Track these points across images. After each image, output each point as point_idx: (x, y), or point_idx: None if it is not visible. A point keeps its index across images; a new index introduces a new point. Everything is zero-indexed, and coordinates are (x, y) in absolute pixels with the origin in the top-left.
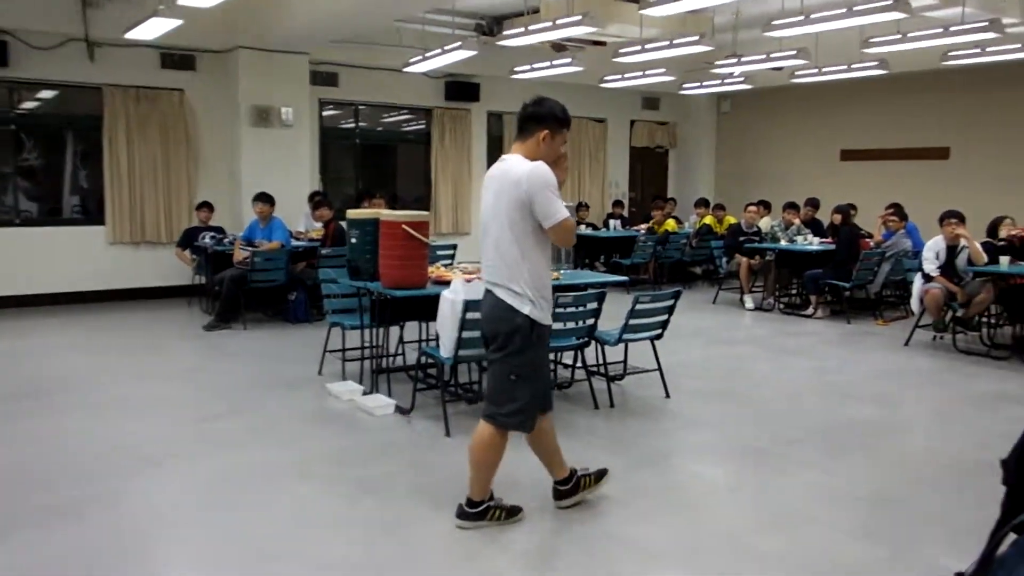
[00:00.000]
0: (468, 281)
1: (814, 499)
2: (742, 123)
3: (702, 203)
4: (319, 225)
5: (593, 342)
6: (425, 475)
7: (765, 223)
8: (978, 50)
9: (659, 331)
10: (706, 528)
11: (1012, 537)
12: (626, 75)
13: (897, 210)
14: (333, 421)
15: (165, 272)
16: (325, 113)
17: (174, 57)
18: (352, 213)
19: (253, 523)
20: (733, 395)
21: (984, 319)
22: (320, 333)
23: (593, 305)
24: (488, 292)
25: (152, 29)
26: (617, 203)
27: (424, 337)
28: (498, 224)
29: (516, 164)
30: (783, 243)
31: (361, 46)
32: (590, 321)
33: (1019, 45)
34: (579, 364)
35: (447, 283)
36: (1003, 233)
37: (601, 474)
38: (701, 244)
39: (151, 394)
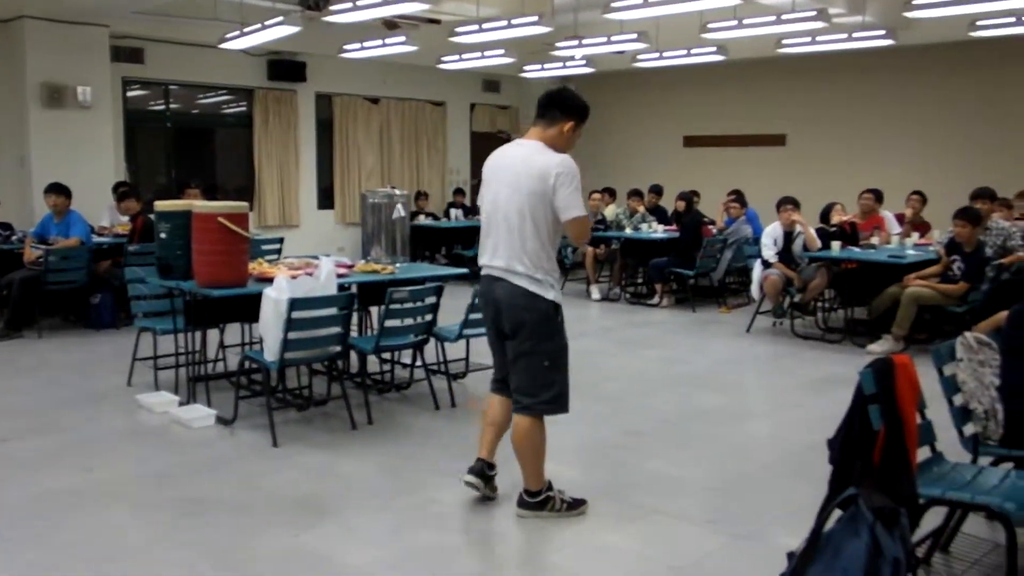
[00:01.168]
0: (293, 278)
1: (661, 490)
2: None
3: None
4: (125, 219)
5: (432, 339)
6: (251, 490)
7: (610, 211)
8: (809, 39)
9: None
10: (556, 526)
11: (839, 513)
12: (464, 56)
13: (738, 196)
14: (146, 437)
15: None
16: (130, 93)
17: None
18: (160, 205)
19: (54, 558)
20: (581, 389)
21: (819, 303)
22: (128, 339)
23: (431, 300)
24: (500, 280)
25: None
26: (458, 191)
27: (247, 340)
28: (518, 213)
29: (538, 153)
30: (628, 231)
31: (169, 18)
32: (428, 317)
33: (846, 35)
34: (418, 363)
35: (271, 280)
36: (835, 219)
37: (575, 503)
38: None
39: None
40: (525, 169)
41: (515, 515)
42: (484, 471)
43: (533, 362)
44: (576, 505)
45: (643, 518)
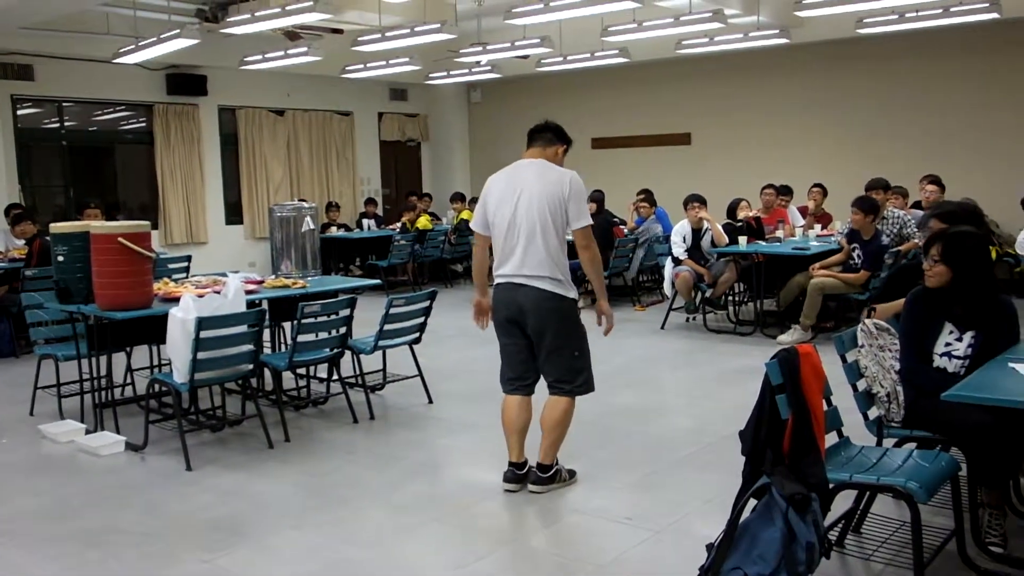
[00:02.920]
0: (200, 296)
1: (582, 491)
2: (494, 113)
3: (458, 197)
4: (21, 243)
5: (347, 352)
6: (163, 517)
7: None
8: (707, 40)
9: (416, 335)
10: (481, 535)
11: (755, 502)
12: (369, 64)
13: (647, 196)
14: (50, 468)
15: None
16: (21, 111)
17: None
18: (57, 227)
19: None
20: (495, 393)
21: (729, 297)
22: (29, 367)
23: (344, 312)
24: (524, 287)
25: None
26: (370, 201)
27: (155, 363)
28: (541, 219)
29: (550, 165)
30: None
31: (59, 33)
32: (342, 330)
33: (742, 35)
34: (334, 377)
35: (177, 300)
36: (741, 215)
37: (571, 473)
38: (460, 240)
39: None
40: (544, 178)
41: (528, 493)
42: (516, 472)
43: (565, 355)
44: (572, 474)
45: (562, 519)
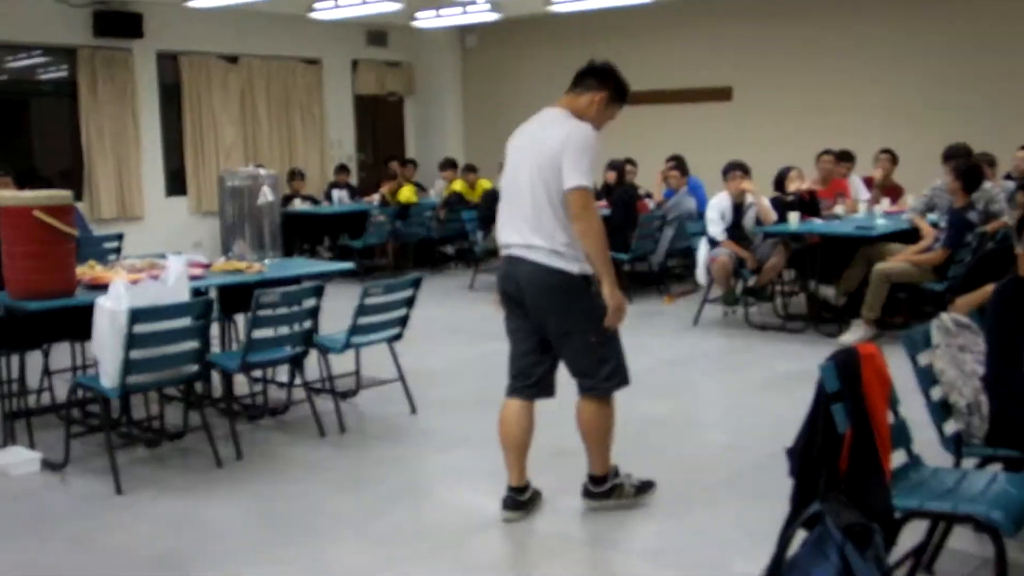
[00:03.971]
0: (135, 283)
1: (599, 519)
2: (493, 63)
3: (449, 164)
4: None
5: (313, 351)
6: (89, 551)
7: None
8: None
9: (397, 330)
10: (476, 569)
11: (804, 534)
12: (341, 3)
13: (678, 163)
14: None
15: None
16: None
17: None
18: None
19: None
20: (496, 403)
21: (777, 287)
22: None
23: (310, 303)
24: (520, 259)
25: None
26: (342, 168)
27: (79, 364)
28: (531, 182)
29: (559, 119)
30: None
31: None
32: (307, 324)
33: None
34: (297, 381)
35: (105, 287)
36: (792, 187)
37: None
38: (451, 216)
39: None
40: (541, 135)
41: (583, 509)
42: (516, 499)
43: (578, 342)
44: (645, 488)
45: (572, 553)
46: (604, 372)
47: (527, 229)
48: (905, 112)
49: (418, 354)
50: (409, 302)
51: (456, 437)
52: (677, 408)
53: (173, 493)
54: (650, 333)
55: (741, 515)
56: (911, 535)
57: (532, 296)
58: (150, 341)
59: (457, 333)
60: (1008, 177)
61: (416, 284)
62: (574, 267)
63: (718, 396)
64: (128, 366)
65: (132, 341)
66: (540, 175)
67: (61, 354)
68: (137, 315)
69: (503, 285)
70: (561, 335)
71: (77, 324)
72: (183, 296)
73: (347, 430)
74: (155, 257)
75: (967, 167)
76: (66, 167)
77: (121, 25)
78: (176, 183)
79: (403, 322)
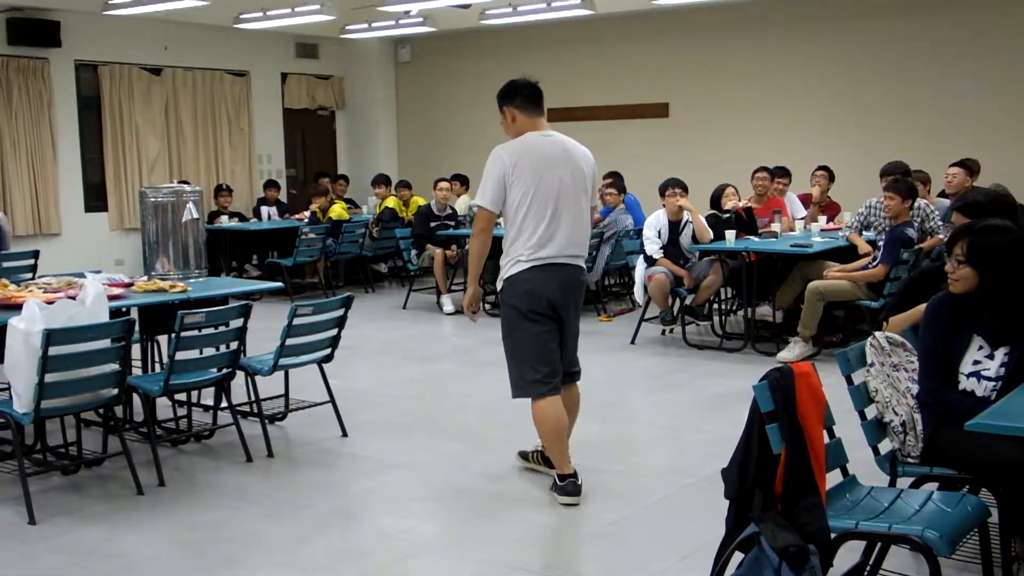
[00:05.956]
0: (50, 303)
1: (537, 542)
2: (427, 76)
3: (382, 180)
4: None
5: (240, 373)
6: None
7: (462, 203)
8: None
9: (327, 351)
10: None
11: (741, 556)
12: (269, 13)
13: (615, 181)
14: None
15: None
16: None
17: None
18: None
19: None
20: (430, 425)
21: (714, 305)
22: None
23: (237, 323)
24: (568, 266)
25: None
26: (271, 184)
27: None
28: (576, 197)
29: (572, 141)
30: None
31: None
32: (233, 345)
33: None
34: (223, 404)
35: (19, 307)
36: (728, 204)
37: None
38: (384, 234)
39: None
40: (579, 156)
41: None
42: (576, 483)
43: (578, 329)
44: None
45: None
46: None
47: (580, 240)
48: (840, 129)
49: (349, 376)
50: (340, 322)
51: (387, 461)
52: (612, 429)
53: (90, 522)
54: (587, 352)
55: (676, 537)
56: (848, 556)
57: (576, 296)
58: (67, 363)
59: (390, 354)
60: (942, 195)
61: (347, 303)
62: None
63: (654, 416)
64: (43, 390)
65: (47, 364)
66: (584, 190)
67: None
68: (52, 336)
69: (551, 291)
70: (578, 328)
71: None
72: (102, 317)
73: (275, 455)
74: (72, 276)
75: (904, 184)
76: None
77: (37, 33)
78: (96, 198)
79: (334, 343)
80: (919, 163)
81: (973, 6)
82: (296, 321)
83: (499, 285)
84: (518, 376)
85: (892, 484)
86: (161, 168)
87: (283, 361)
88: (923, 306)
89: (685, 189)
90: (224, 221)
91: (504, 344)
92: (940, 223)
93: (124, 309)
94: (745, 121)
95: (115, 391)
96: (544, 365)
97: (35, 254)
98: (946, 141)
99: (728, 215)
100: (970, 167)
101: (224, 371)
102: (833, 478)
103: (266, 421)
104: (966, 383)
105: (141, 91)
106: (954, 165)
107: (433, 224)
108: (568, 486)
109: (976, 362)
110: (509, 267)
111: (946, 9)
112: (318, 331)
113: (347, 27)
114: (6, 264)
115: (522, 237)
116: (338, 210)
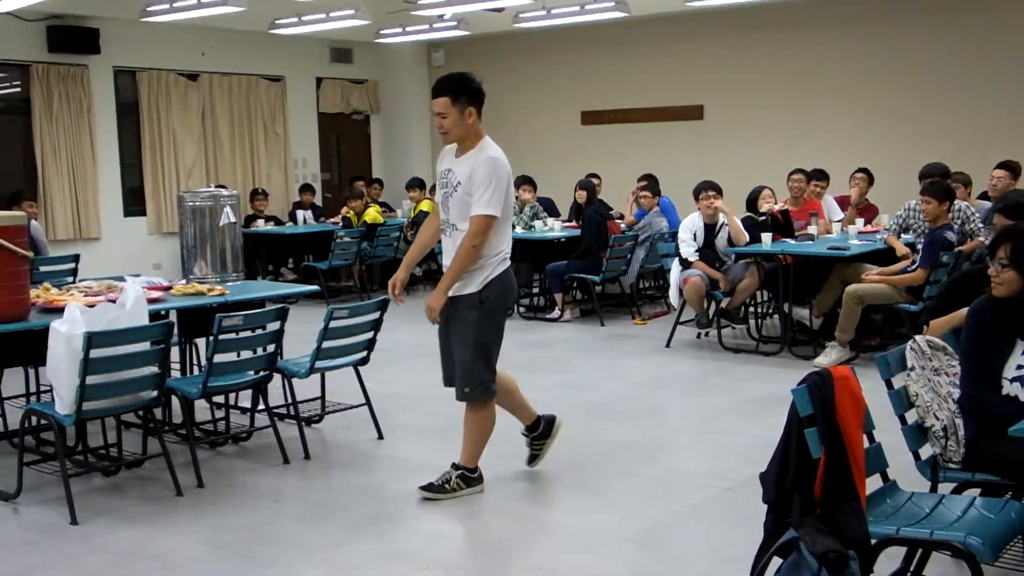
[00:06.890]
0: (91, 306)
1: (567, 547)
2: None
3: (416, 184)
4: None
5: (276, 375)
6: None
7: None
8: None
9: (363, 354)
10: None
11: (779, 562)
12: (305, 18)
13: (650, 183)
14: None
15: None
16: None
17: None
18: None
19: None
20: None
21: (751, 308)
22: None
23: (274, 326)
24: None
25: None
26: (306, 188)
27: (32, 390)
28: None
29: None
30: (518, 230)
31: None
32: (270, 348)
33: None
34: (260, 407)
35: (61, 311)
36: (764, 206)
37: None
38: None
39: None
40: None
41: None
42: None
43: None
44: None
45: None
46: None
47: None
48: (879, 131)
49: (385, 379)
50: (375, 325)
51: (424, 464)
52: (648, 432)
53: (130, 523)
54: (621, 356)
55: (712, 542)
56: (888, 562)
57: None
58: (107, 366)
59: (425, 357)
60: (983, 196)
61: (383, 306)
62: None
63: (690, 420)
64: (84, 392)
65: (88, 366)
66: None
67: (14, 380)
68: (93, 339)
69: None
70: None
71: (31, 349)
72: (142, 320)
73: (312, 457)
74: (112, 279)
75: (940, 188)
76: (19, 186)
77: (76, 41)
78: (134, 203)
79: (369, 345)
80: (960, 165)
81: (1019, 7)
82: (332, 324)
83: (476, 287)
84: (479, 381)
85: (933, 490)
86: (198, 173)
87: (319, 364)
88: (964, 310)
89: (720, 192)
90: (260, 225)
91: (470, 350)
92: (980, 225)
93: (163, 312)
94: (780, 123)
95: (154, 393)
96: (494, 364)
97: (75, 258)
98: (987, 142)
99: (764, 218)
100: (1014, 168)
101: (261, 374)
102: (873, 483)
103: (303, 423)
104: (1009, 388)
105: (178, 97)
106: (999, 167)
107: None
108: (480, 475)
109: (1020, 367)
110: (496, 266)
111: (991, 9)
112: (354, 334)
113: (381, 31)
114: (48, 268)
115: (506, 237)
116: (373, 213)
